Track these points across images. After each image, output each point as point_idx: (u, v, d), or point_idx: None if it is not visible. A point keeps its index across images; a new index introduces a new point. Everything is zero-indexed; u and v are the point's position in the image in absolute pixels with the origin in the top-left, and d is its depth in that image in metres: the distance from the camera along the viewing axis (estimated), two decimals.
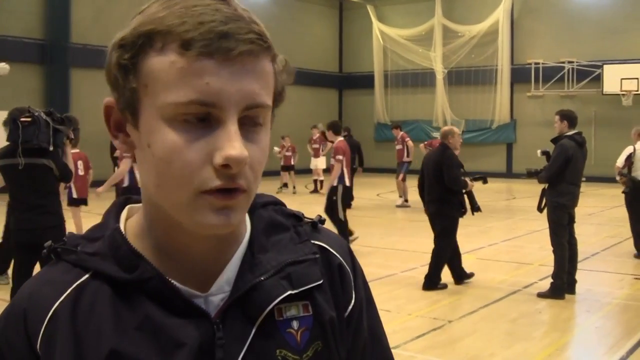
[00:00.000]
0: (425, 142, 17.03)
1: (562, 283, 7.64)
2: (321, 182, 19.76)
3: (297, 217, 1.04)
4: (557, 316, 7.14)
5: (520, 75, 25.96)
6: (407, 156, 16.74)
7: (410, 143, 16.88)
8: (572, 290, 7.75)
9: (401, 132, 17.30)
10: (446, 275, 8.14)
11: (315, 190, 19.22)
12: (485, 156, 25.74)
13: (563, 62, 24.65)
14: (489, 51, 26.35)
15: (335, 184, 10.19)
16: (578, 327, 7.00)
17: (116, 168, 13.51)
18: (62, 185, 7.15)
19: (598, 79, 23.84)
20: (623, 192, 10.28)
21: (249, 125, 0.85)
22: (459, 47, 27.01)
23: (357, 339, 1.04)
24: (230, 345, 0.90)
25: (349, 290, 1.03)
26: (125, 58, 0.85)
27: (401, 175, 16.49)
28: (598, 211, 15.33)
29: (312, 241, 1.02)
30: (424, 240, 11.53)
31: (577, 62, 24.46)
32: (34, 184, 5.67)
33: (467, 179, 8.15)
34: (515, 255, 10.41)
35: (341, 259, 1.03)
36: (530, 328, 6.62)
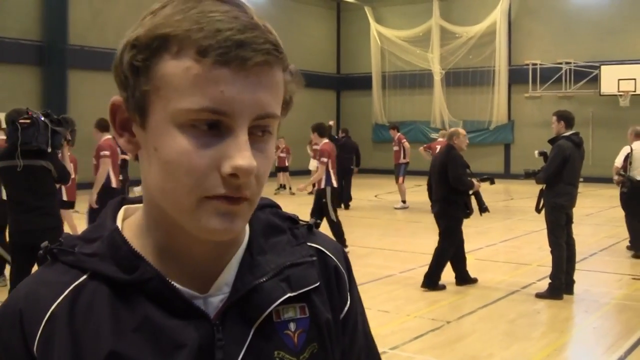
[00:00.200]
0: (424, 146, 17.02)
1: (560, 283, 7.64)
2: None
3: (293, 220, 1.05)
4: (556, 316, 7.14)
5: (517, 76, 25.98)
6: (404, 157, 16.67)
7: (406, 144, 16.79)
8: (570, 291, 7.76)
9: (398, 134, 17.16)
10: (445, 276, 8.13)
11: (312, 193, 19.19)
12: (483, 157, 25.73)
13: (560, 63, 24.68)
14: (486, 52, 26.37)
15: (322, 186, 10.26)
16: (576, 327, 7.01)
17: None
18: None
19: (595, 80, 23.87)
20: (621, 191, 10.31)
21: (257, 134, 0.86)
22: (457, 48, 27.04)
23: (354, 341, 1.05)
24: (230, 347, 0.90)
25: (344, 292, 1.04)
26: (138, 59, 0.84)
27: (401, 179, 16.46)
28: (596, 212, 15.35)
29: (309, 243, 1.02)
30: (423, 241, 11.54)
31: (574, 62, 24.48)
32: (32, 185, 5.67)
33: (474, 180, 8.17)
34: (514, 255, 10.42)
35: (337, 261, 1.05)
36: (528, 328, 6.62)
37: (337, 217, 10.22)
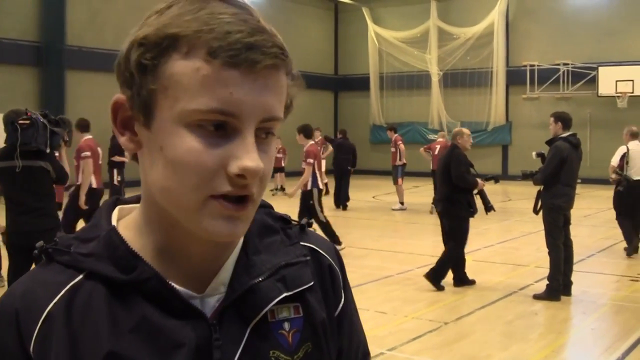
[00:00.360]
0: (425, 147, 17.01)
1: (558, 285, 7.65)
2: (325, 184, 19.75)
3: (285, 220, 1.06)
4: (553, 318, 7.15)
5: (515, 77, 26.00)
6: (400, 159, 16.61)
7: (401, 146, 16.66)
8: (568, 292, 7.77)
9: (395, 135, 17.09)
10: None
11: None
12: (481, 158, 25.68)
13: (558, 64, 24.70)
14: (484, 53, 26.39)
15: (309, 187, 10.31)
16: (574, 328, 7.01)
17: (115, 171, 13.48)
18: None
19: (593, 81, 23.89)
20: (618, 190, 10.35)
21: (260, 136, 0.87)
22: (455, 49, 27.05)
23: (351, 337, 1.07)
24: (227, 346, 0.91)
25: (339, 290, 1.06)
26: (147, 57, 0.84)
27: (399, 180, 16.44)
28: (594, 213, 15.36)
29: (302, 243, 1.04)
30: (421, 242, 11.55)
31: (572, 64, 24.51)
32: (31, 186, 5.66)
33: (479, 179, 8.19)
34: (511, 257, 10.43)
35: (330, 259, 1.06)
36: (526, 330, 6.63)
37: (324, 217, 10.30)
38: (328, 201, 17.56)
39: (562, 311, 7.40)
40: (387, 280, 8.62)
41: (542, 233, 7.94)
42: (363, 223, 14.21)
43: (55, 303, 0.89)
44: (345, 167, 16.69)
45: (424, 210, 16.03)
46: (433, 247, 11.01)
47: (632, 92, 23.07)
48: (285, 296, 0.96)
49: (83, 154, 8.93)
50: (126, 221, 0.97)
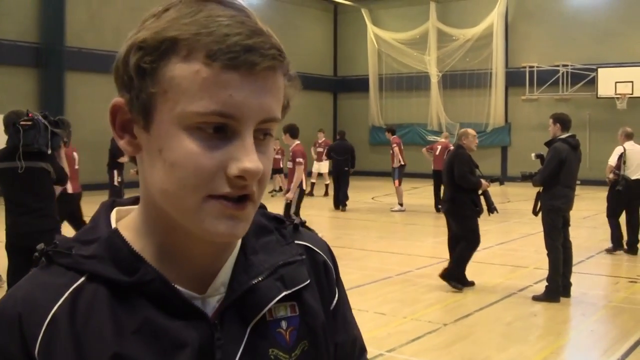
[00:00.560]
0: (427, 147, 16.98)
1: (557, 286, 7.65)
2: (326, 185, 19.79)
3: (279, 220, 1.07)
4: (553, 319, 7.15)
5: (514, 79, 26.01)
6: (397, 161, 16.55)
7: (396, 149, 16.46)
8: (567, 294, 7.77)
9: (392, 136, 17.00)
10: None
11: (311, 193, 19.18)
12: (480, 159, 25.42)
13: (557, 66, 24.71)
14: (483, 54, 26.40)
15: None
16: (573, 330, 7.01)
17: (115, 173, 13.47)
18: None
19: (592, 83, 23.91)
20: (617, 189, 10.39)
21: (259, 137, 0.87)
22: (454, 51, 27.06)
23: (346, 330, 1.09)
24: (228, 346, 0.92)
25: (333, 285, 1.09)
26: (146, 61, 0.84)
27: (396, 182, 16.43)
28: (593, 214, 15.35)
29: (296, 242, 1.05)
30: (420, 243, 11.55)
31: (571, 65, 24.52)
32: (32, 187, 5.66)
33: (483, 180, 8.21)
34: (510, 258, 10.43)
35: (324, 256, 1.08)
36: (525, 331, 6.63)
37: (298, 216, 10.39)
38: (328, 202, 17.62)
39: (561, 313, 7.40)
40: (386, 282, 8.61)
41: (541, 234, 7.94)
42: (362, 224, 14.21)
43: (59, 305, 0.88)
44: (342, 168, 16.70)
45: (423, 211, 16.03)
46: (432, 248, 11.02)
47: (632, 94, 23.08)
48: (284, 295, 0.97)
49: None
50: (125, 223, 0.97)
